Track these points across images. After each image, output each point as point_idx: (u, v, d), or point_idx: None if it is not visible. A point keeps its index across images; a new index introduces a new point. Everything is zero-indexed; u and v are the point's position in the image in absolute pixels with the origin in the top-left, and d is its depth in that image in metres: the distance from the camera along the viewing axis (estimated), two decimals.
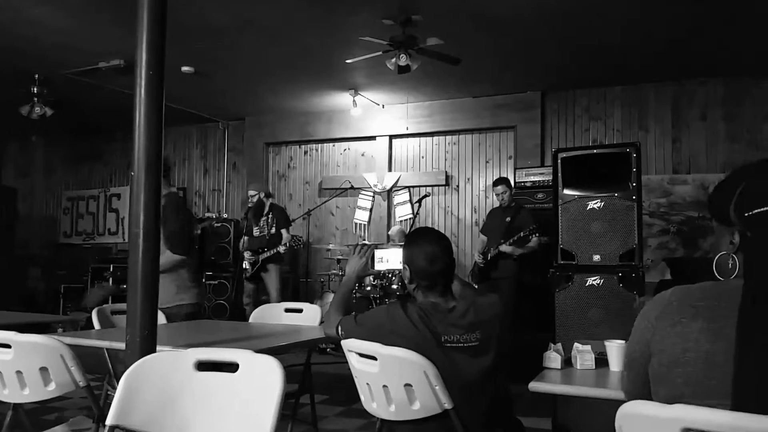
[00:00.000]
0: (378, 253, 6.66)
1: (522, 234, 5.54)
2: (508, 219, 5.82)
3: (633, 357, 1.30)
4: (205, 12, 5.15)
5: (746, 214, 1.17)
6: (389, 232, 7.48)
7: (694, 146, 6.82)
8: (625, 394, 1.38)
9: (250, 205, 6.57)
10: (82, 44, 5.92)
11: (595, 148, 5.05)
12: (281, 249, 6.41)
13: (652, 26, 5.40)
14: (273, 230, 6.54)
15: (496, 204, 6.15)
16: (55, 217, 10.24)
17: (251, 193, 6.57)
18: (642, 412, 1.05)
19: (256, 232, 6.59)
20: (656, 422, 1.02)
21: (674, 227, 6.72)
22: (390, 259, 6.59)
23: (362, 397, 2.05)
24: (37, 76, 6.85)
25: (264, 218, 6.57)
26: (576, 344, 2.05)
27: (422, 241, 2.07)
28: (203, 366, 1.58)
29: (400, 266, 6.35)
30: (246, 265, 6.51)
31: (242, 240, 6.71)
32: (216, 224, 7.66)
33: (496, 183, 6.01)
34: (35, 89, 6.98)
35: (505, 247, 5.62)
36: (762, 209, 1.14)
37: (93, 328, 3.09)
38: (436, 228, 6.86)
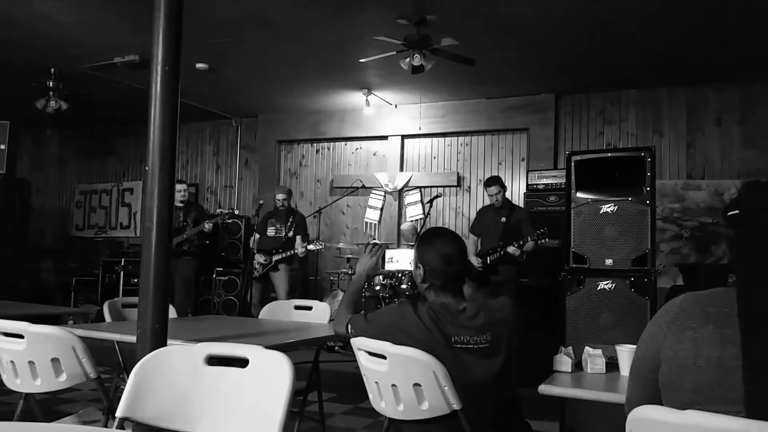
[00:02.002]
0: (388, 253, 6.66)
1: (530, 238, 5.42)
2: (504, 219, 5.69)
3: (642, 363, 1.29)
4: (220, 9, 5.17)
5: (727, 214, 1.27)
6: (401, 227, 7.46)
7: (709, 152, 6.76)
8: (626, 401, 1.37)
9: (281, 208, 6.62)
10: (98, 39, 5.96)
11: (609, 152, 5.00)
12: (300, 251, 6.43)
13: (667, 31, 5.36)
14: (291, 233, 6.57)
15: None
16: (68, 211, 10.32)
17: (281, 196, 6.63)
18: (653, 417, 1.04)
19: (271, 232, 6.61)
20: (668, 428, 1.01)
21: (687, 233, 6.67)
22: (400, 259, 6.59)
23: (371, 396, 2.04)
24: (53, 70, 6.90)
25: (283, 220, 6.63)
26: (587, 348, 2.04)
27: (438, 241, 2.04)
28: (213, 360, 1.58)
29: (410, 267, 6.36)
30: (257, 265, 6.54)
31: (253, 237, 6.74)
32: (228, 220, 7.66)
33: (489, 183, 5.81)
34: (51, 83, 7.04)
35: (513, 250, 5.42)
36: (735, 212, 1.25)
37: (104, 320, 3.12)
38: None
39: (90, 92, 7.57)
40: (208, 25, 5.48)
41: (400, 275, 6.38)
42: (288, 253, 6.43)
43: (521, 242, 5.43)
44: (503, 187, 5.80)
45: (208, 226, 6.57)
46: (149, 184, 2.10)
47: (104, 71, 6.74)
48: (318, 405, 3.30)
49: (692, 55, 5.94)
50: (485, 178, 6.19)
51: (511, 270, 5.60)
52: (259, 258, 6.51)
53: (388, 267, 6.49)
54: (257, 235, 6.69)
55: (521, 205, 6.62)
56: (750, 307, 1.11)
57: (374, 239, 7.77)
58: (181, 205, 6.75)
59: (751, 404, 1.05)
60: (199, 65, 6.61)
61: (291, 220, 6.63)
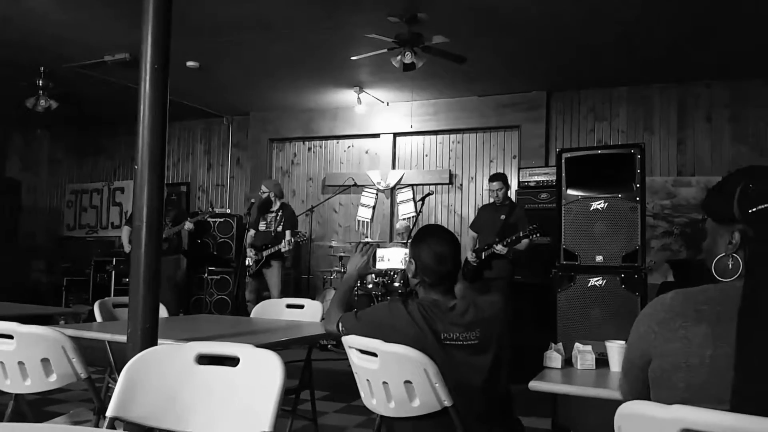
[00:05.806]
0: (380, 252, 6.66)
1: (521, 234, 5.43)
2: (503, 217, 5.69)
3: (633, 362, 1.28)
4: (211, 7, 5.15)
5: (750, 211, 1.18)
6: (396, 226, 7.46)
7: (699, 148, 6.80)
8: (622, 396, 1.38)
9: (258, 200, 6.62)
10: (88, 38, 5.92)
11: (599, 149, 5.03)
12: (284, 247, 6.43)
13: (657, 27, 5.38)
14: (279, 228, 6.58)
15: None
16: (59, 210, 10.27)
17: (263, 189, 6.65)
18: (641, 412, 1.05)
19: (262, 226, 6.62)
20: (655, 423, 1.01)
21: (677, 229, 6.71)
22: (392, 258, 6.58)
23: (362, 394, 2.05)
24: (42, 69, 6.86)
25: (272, 215, 6.61)
26: (577, 344, 2.05)
27: (433, 239, 2.05)
28: (204, 360, 1.58)
29: (401, 266, 6.34)
30: (249, 261, 6.53)
31: (246, 234, 6.73)
32: (208, 218, 7.54)
33: (493, 178, 5.84)
34: (41, 82, 7.00)
35: (501, 248, 5.41)
36: (765, 206, 1.16)
37: (95, 320, 3.11)
38: None
39: (80, 91, 7.53)
40: (199, 24, 5.46)
41: (392, 273, 6.38)
42: (277, 248, 6.44)
43: (509, 240, 5.43)
44: (506, 185, 5.83)
45: (189, 225, 6.57)
46: (138, 183, 2.09)
47: (94, 70, 6.70)
48: (310, 403, 3.30)
49: (683, 52, 5.96)
50: (490, 174, 6.17)
51: (503, 265, 5.58)
52: (251, 254, 6.51)
53: (380, 266, 6.49)
54: (252, 231, 6.68)
55: None
56: (754, 305, 1.10)
57: (366, 238, 7.77)
58: None
59: (736, 400, 1.05)
60: (189, 63, 6.58)
61: (280, 214, 6.63)
